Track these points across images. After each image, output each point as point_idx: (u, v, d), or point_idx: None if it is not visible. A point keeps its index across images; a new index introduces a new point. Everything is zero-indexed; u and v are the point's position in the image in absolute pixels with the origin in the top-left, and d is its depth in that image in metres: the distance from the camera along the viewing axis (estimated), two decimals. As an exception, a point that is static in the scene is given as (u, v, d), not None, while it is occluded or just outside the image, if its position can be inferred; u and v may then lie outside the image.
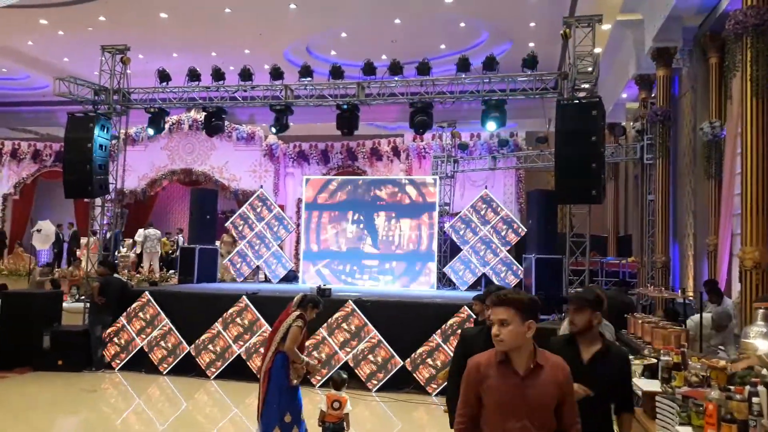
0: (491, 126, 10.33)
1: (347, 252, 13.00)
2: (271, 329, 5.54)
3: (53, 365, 9.49)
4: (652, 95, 12.04)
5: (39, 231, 17.01)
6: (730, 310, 6.84)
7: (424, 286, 12.46)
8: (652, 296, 9.37)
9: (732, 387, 3.53)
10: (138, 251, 15.98)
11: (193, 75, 11.22)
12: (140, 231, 16.36)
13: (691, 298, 8.18)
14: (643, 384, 4.57)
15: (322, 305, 5.60)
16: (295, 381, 5.17)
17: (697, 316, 6.19)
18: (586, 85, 9.35)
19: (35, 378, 9.19)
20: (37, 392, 8.49)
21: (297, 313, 5.29)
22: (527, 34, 14.30)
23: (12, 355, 9.47)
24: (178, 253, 13.69)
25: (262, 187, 14.98)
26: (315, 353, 8.75)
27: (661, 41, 10.45)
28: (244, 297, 9.58)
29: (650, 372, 4.89)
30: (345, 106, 10.69)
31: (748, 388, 3.26)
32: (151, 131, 11.95)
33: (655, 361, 4.86)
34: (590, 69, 9.14)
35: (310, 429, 5.44)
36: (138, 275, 14.02)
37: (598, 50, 9.66)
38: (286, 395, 5.12)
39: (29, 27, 14.76)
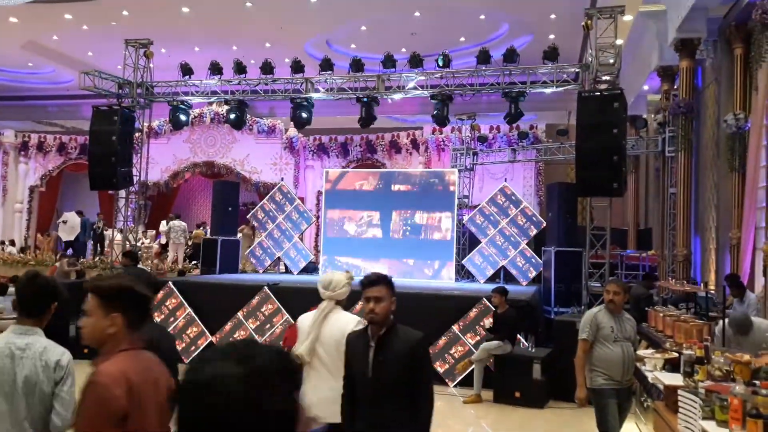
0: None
1: (366, 244, 13.06)
2: (293, 321, 5.53)
3: (79, 353, 9.56)
4: (675, 87, 11.89)
5: (65, 222, 17.32)
6: (748, 309, 6.65)
7: (443, 279, 12.48)
8: (674, 290, 9.30)
9: (757, 382, 3.51)
10: (163, 242, 16.22)
11: (215, 69, 11.33)
12: (164, 222, 16.59)
13: (713, 291, 8.12)
14: (665, 378, 4.57)
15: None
16: None
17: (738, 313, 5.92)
18: (608, 77, 9.27)
19: (63, 366, 9.39)
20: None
21: None
22: (548, 26, 14.18)
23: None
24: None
25: (282, 179, 15.10)
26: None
27: (684, 32, 10.30)
28: (265, 288, 9.70)
29: (671, 366, 4.90)
30: (365, 99, 10.72)
31: (773, 382, 3.25)
32: (174, 124, 12.10)
33: (676, 355, 4.86)
34: (612, 61, 9.06)
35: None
36: (162, 265, 14.25)
37: (619, 42, 9.57)
38: None
39: (54, 22, 14.98)
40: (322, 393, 3.54)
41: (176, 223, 15.76)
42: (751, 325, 5.36)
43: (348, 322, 3.73)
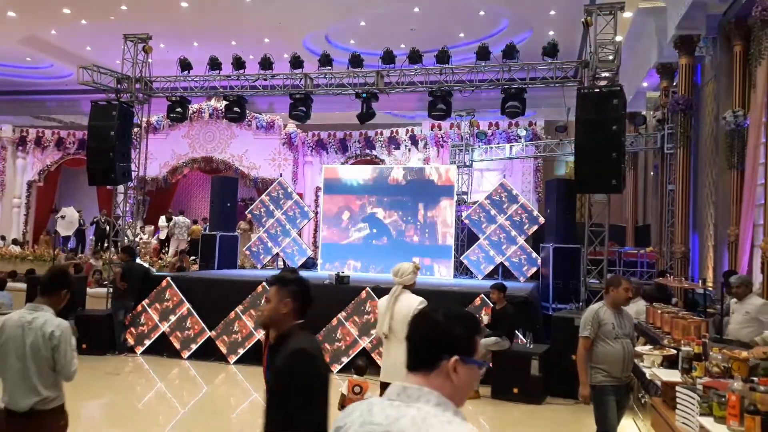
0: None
1: (363, 240, 13.07)
2: None
3: (77, 348, 9.66)
4: (674, 84, 11.90)
5: (63, 217, 17.28)
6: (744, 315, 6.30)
7: (441, 275, 12.50)
8: (672, 286, 9.33)
9: (755, 378, 3.52)
10: (162, 237, 16.23)
11: (214, 64, 11.30)
12: (162, 218, 16.59)
13: (711, 288, 8.14)
14: (663, 374, 4.59)
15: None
16: None
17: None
18: (607, 74, 9.26)
19: (61, 361, 9.39)
20: (63, 375, 8.69)
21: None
22: (547, 22, 14.16)
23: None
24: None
25: (281, 175, 15.08)
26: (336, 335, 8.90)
27: (684, 29, 10.29)
28: (263, 283, 9.70)
29: (669, 362, 4.91)
30: (364, 95, 10.71)
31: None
32: (172, 119, 12.08)
33: (674, 352, 4.87)
34: (611, 57, 9.05)
35: (331, 412, 5.52)
36: (159, 261, 14.24)
37: (619, 38, 9.56)
38: None
39: (53, 16, 14.93)
40: (394, 360, 4.37)
41: (180, 219, 15.94)
42: None
43: (413, 302, 4.56)
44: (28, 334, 3.41)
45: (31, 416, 3.36)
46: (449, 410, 1.56)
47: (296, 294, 2.73)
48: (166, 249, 15.88)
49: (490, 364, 7.92)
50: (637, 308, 7.50)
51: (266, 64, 11.06)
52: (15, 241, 17.91)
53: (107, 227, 15.76)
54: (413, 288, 4.76)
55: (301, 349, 2.57)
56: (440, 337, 1.64)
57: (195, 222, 16.91)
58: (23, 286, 10.80)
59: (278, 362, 2.57)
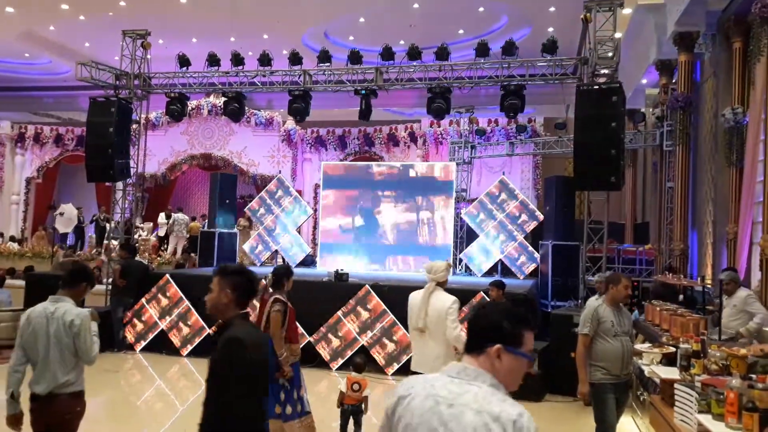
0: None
1: (362, 237, 13.07)
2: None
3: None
4: (673, 81, 11.88)
5: (61, 214, 17.26)
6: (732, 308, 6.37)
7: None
8: (671, 284, 9.33)
9: (753, 375, 3.53)
10: (161, 234, 16.21)
11: (213, 60, 11.27)
12: (162, 215, 16.57)
13: (709, 286, 8.14)
14: (661, 372, 4.59)
15: (292, 270, 5.44)
16: (281, 380, 4.85)
17: None
18: (606, 71, 9.26)
19: (60, 358, 9.38)
20: (62, 372, 8.69)
21: (273, 297, 5.10)
22: (547, 19, 14.14)
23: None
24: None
25: (280, 172, 15.07)
26: (332, 335, 8.92)
27: (683, 26, 10.27)
28: (262, 281, 9.67)
29: (667, 360, 4.91)
30: (363, 92, 10.69)
31: (768, 376, 3.26)
32: (171, 116, 12.05)
33: (673, 349, 4.87)
34: (611, 54, 9.04)
35: (330, 410, 5.53)
36: (159, 258, 14.23)
37: (618, 35, 9.54)
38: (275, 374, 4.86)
39: (51, 12, 14.89)
40: (426, 352, 4.68)
41: (179, 216, 15.90)
42: None
43: (446, 300, 4.73)
44: (52, 324, 3.77)
45: (50, 399, 3.72)
46: (501, 391, 1.83)
47: (236, 284, 2.80)
48: (165, 246, 15.87)
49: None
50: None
51: (265, 60, 11.03)
52: (13, 238, 17.89)
53: (107, 225, 15.77)
54: (446, 285, 4.90)
55: (234, 338, 2.63)
56: (488, 326, 1.92)
57: (194, 219, 16.91)
58: (22, 283, 10.80)
59: (214, 351, 2.65)
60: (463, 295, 9.06)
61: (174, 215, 16.00)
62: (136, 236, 12.89)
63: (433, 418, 1.81)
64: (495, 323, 1.92)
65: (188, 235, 15.78)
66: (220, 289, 2.80)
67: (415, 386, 1.90)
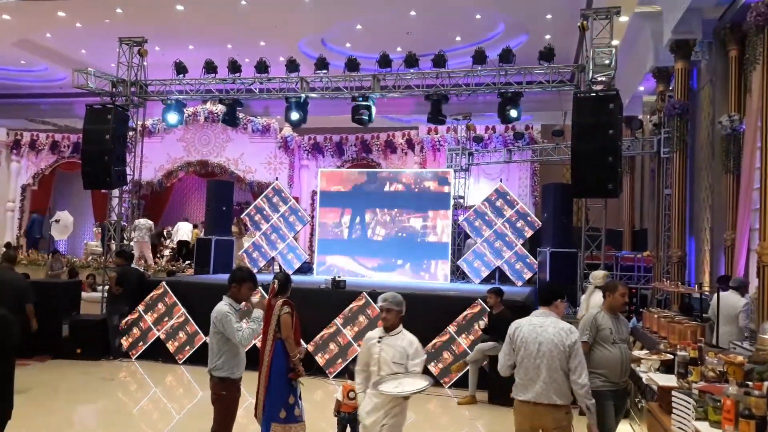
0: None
1: (360, 244, 13.04)
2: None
3: (72, 353, 9.64)
4: (670, 88, 11.90)
5: (57, 221, 17.21)
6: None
7: (437, 279, 12.47)
8: (668, 291, 9.32)
9: (750, 383, 3.52)
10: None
11: (210, 67, 11.28)
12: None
13: (707, 293, 8.12)
14: (659, 379, 4.57)
15: (290, 277, 5.67)
16: (296, 380, 5.13)
17: None
18: (604, 78, 9.27)
19: (55, 366, 9.34)
20: (56, 380, 8.64)
21: (281, 300, 5.27)
22: (544, 26, 14.19)
23: (32, 344, 9.62)
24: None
25: (277, 179, 15.04)
26: (332, 344, 8.88)
27: (679, 33, 10.31)
28: (259, 289, 9.63)
29: (665, 367, 4.90)
30: (360, 99, 10.70)
31: (766, 384, 3.25)
32: (167, 123, 12.03)
33: (671, 357, 4.85)
34: (608, 61, 9.06)
35: (326, 418, 5.50)
36: (155, 266, 14.16)
37: (615, 42, 9.57)
38: (286, 378, 5.14)
39: (47, 19, 14.88)
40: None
41: (141, 221, 14.66)
42: None
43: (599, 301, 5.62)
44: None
45: (211, 377, 4.98)
46: (560, 320, 4.20)
47: None
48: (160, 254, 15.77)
49: (487, 370, 7.89)
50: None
51: (262, 67, 11.05)
52: (8, 245, 17.81)
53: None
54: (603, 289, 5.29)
55: None
56: (552, 292, 4.37)
57: (195, 226, 16.83)
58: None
59: None
60: (461, 302, 9.07)
61: (136, 221, 14.24)
62: (131, 243, 12.75)
63: (533, 331, 4.15)
64: (556, 290, 4.40)
65: (174, 241, 15.49)
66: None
67: (520, 323, 4.28)
